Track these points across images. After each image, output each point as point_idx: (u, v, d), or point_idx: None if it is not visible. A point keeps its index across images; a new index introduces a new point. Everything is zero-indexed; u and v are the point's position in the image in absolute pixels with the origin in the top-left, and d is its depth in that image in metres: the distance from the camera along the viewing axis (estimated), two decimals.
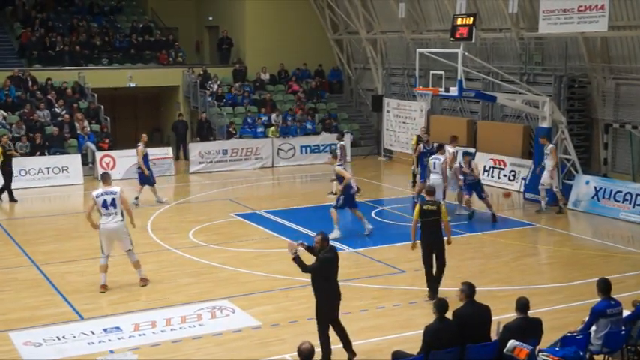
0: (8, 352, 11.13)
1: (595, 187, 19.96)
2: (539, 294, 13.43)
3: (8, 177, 21.65)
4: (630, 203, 19.17)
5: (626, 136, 21.76)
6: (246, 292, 13.67)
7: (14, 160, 22.15)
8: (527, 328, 9.35)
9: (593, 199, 19.93)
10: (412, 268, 15.08)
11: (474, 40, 20.92)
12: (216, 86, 29.97)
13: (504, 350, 9.00)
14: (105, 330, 11.86)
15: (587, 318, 9.85)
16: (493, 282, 13.89)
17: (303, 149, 28.17)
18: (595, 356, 9.79)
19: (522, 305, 9.49)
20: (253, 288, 13.88)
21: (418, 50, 22.70)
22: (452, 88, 20.75)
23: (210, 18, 34.54)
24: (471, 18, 20.67)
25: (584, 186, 20.27)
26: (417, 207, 13.21)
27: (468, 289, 9.63)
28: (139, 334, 11.75)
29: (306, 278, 14.26)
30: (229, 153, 26.99)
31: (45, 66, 28.95)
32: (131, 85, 29.72)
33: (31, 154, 24.36)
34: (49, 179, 23.96)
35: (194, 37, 35.51)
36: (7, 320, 12.36)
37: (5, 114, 25.81)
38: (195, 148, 26.75)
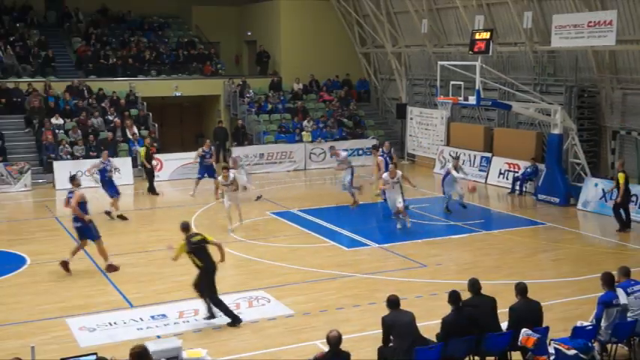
0: (65, 337, 11.24)
1: (603, 189, 19.67)
2: (551, 287, 13.30)
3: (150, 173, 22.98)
4: (636, 204, 18.88)
5: (632, 142, 21.46)
6: (281, 283, 13.68)
7: (73, 163, 22.44)
8: (528, 309, 9.46)
9: (601, 201, 19.65)
10: (433, 262, 15.04)
11: (490, 53, 20.83)
12: (251, 94, 30.12)
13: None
14: (152, 317, 11.94)
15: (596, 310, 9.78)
16: (508, 276, 13.73)
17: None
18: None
19: (522, 289, 9.62)
20: (287, 280, 13.88)
21: (439, 62, 22.63)
22: (470, 98, 20.66)
23: (249, 33, 34.66)
24: (489, 33, 20.57)
25: (593, 188, 20.01)
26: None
27: (474, 285, 9.72)
28: (183, 321, 11.82)
29: (338, 271, 14.33)
30: (265, 156, 27.07)
31: (99, 77, 29.24)
32: (177, 94, 29.90)
33: (87, 156, 24.63)
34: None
35: (234, 51, 35.66)
36: (64, 307, 12.49)
37: (62, 120, 26.17)
38: (235, 152, 26.83)
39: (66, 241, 17.19)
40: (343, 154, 21.58)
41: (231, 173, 18.02)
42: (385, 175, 18.12)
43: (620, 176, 17.65)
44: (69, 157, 24.37)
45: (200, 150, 22.86)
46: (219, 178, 18.13)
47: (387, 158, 21.48)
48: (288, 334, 11.26)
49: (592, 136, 22.59)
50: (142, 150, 23.00)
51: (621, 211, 17.74)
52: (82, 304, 12.58)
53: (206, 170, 22.54)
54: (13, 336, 11.27)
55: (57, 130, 25.60)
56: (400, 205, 17.69)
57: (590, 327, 9.54)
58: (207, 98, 31.93)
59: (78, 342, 11.00)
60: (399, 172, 18.16)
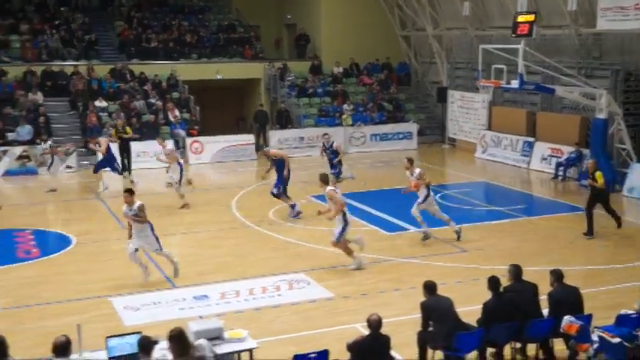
0: (110, 316, 11.48)
1: None
2: (594, 275, 13.14)
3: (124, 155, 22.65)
4: None
5: None
6: (321, 266, 13.73)
7: (116, 145, 22.75)
8: (567, 294, 9.44)
9: None
10: (474, 248, 14.96)
11: (534, 36, 20.49)
12: (292, 78, 30.17)
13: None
14: (195, 298, 12.10)
15: None
16: (550, 262, 13.45)
17: (373, 137, 28.13)
18: None
19: (558, 275, 9.60)
20: (327, 263, 13.92)
21: (481, 46, 22.37)
22: (513, 81, 20.42)
23: (289, 17, 34.64)
24: (532, 15, 20.27)
25: (639, 174, 19.62)
26: None
27: (515, 271, 9.67)
28: (225, 302, 11.96)
29: (378, 255, 14.33)
30: (305, 140, 27.14)
31: (141, 60, 29.53)
32: (218, 77, 30.07)
33: (130, 139, 24.93)
34: (145, 162, 24.49)
35: (274, 35, 35.67)
36: (108, 287, 12.70)
37: (105, 103, 26.57)
38: (275, 135, 26.99)
39: (109, 221, 17.51)
40: (169, 147, 20.05)
41: (138, 201, 12.80)
42: (329, 188, 13.90)
43: (599, 175, 15.75)
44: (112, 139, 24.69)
45: None
46: (124, 207, 12.87)
47: (328, 153, 20.13)
48: (328, 317, 11.32)
49: (638, 121, 22.12)
50: (112, 131, 22.93)
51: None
52: (126, 284, 12.78)
53: None
54: (61, 314, 11.53)
55: (101, 113, 25.97)
56: (334, 238, 13.51)
57: (635, 315, 9.40)
58: (248, 81, 32.04)
59: (122, 320, 11.21)
60: (328, 188, 13.76)
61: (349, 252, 13.66)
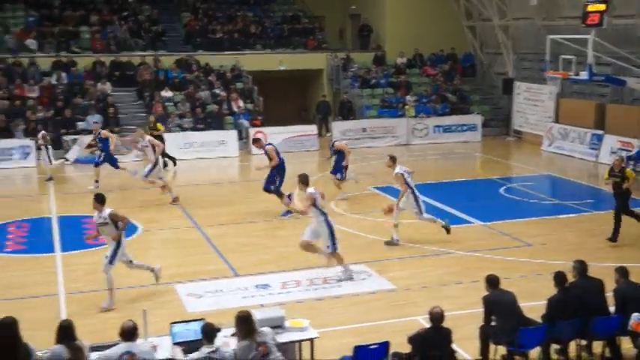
0: (174, 302, 11.71)
1: None
2: None
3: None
4: None
5: None
6: (382, 258, 13.70)
7: (181, 135, 23.08)
8: (633, 290, 9.20)
9: None
10: (538, 242, 14.70)
11: (604, 26, 19.97)
12: (355, 69, 30.13)
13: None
14: (256, 286, 12.23)
15: None
16: (617, 259, 13.12)
17: (436, 129, 27.87)
18: None
19: (624, 272, 9.38)
20: (388, 255, 13.89)
21: (549, 36, 21.91)
22: (582, 73, 19.97)
23: (353, 7, 34.56)
24: (603, 5, 19.76)
25: None
26: None
27: (580, 267, 9.47)
28: (286, 292, 12.05)
29: (441, 248, 14.22)
30: (367, 131, 27.09)
31: (206, 51, 29.91)
32: (281, 68, 30.23)
33: (194, 129, 25.40)
34: (209, 151, 24.88)
35: (338, 25, 35.63)
36: (172, 274, 12.90)
37: (171, 93, 27.02)
38: (337, 126, 27.01)
39: (175, 210, 17.82)
40: (147, 138, 18.83)
41: (107, 209, 11.38)
42: (312, 190, 12.51)
43: (629, 172, 14.75)
44: (178, 128, 25.17)
45: None
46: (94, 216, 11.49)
47: (331, 153, 18.63)
48: (389, 309, 11.30)
49: None
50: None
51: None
52: (189, 272, 13.01)
53: None
54: (126, 300, 11.81)
55: (166, 103, 26.45)
56: (329, 250, 12.43)
57: None
58: (311, 72, 32.11)
59: (185, 307, 11.41)
60: (310, 191, 12.43)
61: (340, 261, 12.56)
